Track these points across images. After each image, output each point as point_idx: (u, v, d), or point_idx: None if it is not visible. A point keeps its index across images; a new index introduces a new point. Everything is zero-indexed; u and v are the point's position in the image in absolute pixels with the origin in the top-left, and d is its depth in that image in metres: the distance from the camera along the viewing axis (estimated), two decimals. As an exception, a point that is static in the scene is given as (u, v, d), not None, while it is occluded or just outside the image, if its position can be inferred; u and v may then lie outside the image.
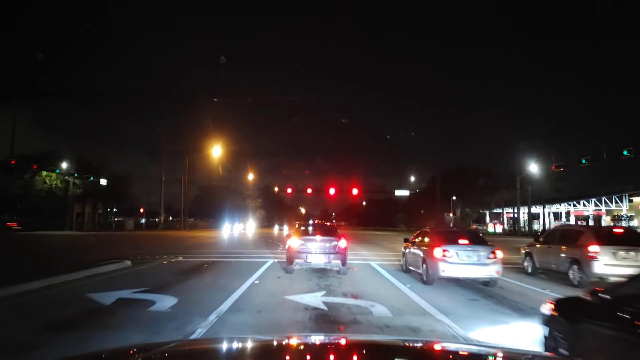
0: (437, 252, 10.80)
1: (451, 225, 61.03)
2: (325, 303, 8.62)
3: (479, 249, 10.86)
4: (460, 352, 2.50)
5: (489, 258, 10.73)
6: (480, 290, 10.67)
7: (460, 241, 11.15)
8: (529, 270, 14.07)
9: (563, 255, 12.27)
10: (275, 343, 2.56)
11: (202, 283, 11.14)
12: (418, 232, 13.81)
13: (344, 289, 10.36)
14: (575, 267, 11.69)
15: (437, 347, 2.73)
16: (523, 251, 14.75)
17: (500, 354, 2.35)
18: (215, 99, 21.48)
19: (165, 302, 8.32)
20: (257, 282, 11.31)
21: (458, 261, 10.70)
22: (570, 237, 12.35)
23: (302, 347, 2.47)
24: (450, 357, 2.37)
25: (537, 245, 13.89)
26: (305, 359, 2.23)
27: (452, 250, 10.77)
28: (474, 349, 3.23)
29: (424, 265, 11.46)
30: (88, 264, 13.25)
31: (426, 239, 12.08)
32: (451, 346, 3.16)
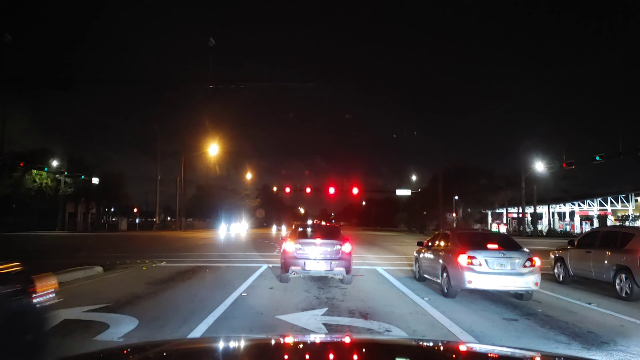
0: (462, 259, 8.92)
1: (454, 225, 59.41)
2: (327, 326, 6.78)
3: (513, 255, 8.98)
4: (462, 352, 2.35)
5: (525, 266, 8.86)
6: (514, 305, 8.81)
7: (489, 246, 9.26)
8: (560, 278, 12.23)
9: (607, 261, 10.40)
10: (275, 342, 2.42)
11: (178, 297, 9.24)
12: (436, 234, 11.89)
13: (350, 304, 8.52)
14: (622, 275, 9.85)
15: (439, 346, 2.62)
16: (552, 256, 12.88)
17: (501, 354, 2.29)
18: (211, 86, 19.95)
19: (121, 326, 6.44)
20: (245, 294, 9.45)
21: (488, 270, 8.83)
22: (616, 240, 10.43)
23: (302, 346, 2.35)
24: (453, 356, 2.23)
25: (572, 250, 12.02)
26: (305, 359, 2.11)
27: (480, 257, 8.90)
28: (476, 348, 3.17)
29: (444, 275, 9.59)
30: (50, 271, 11.37)
31: (446, 243, 10.16)
32: (453, 346, 2.85)
